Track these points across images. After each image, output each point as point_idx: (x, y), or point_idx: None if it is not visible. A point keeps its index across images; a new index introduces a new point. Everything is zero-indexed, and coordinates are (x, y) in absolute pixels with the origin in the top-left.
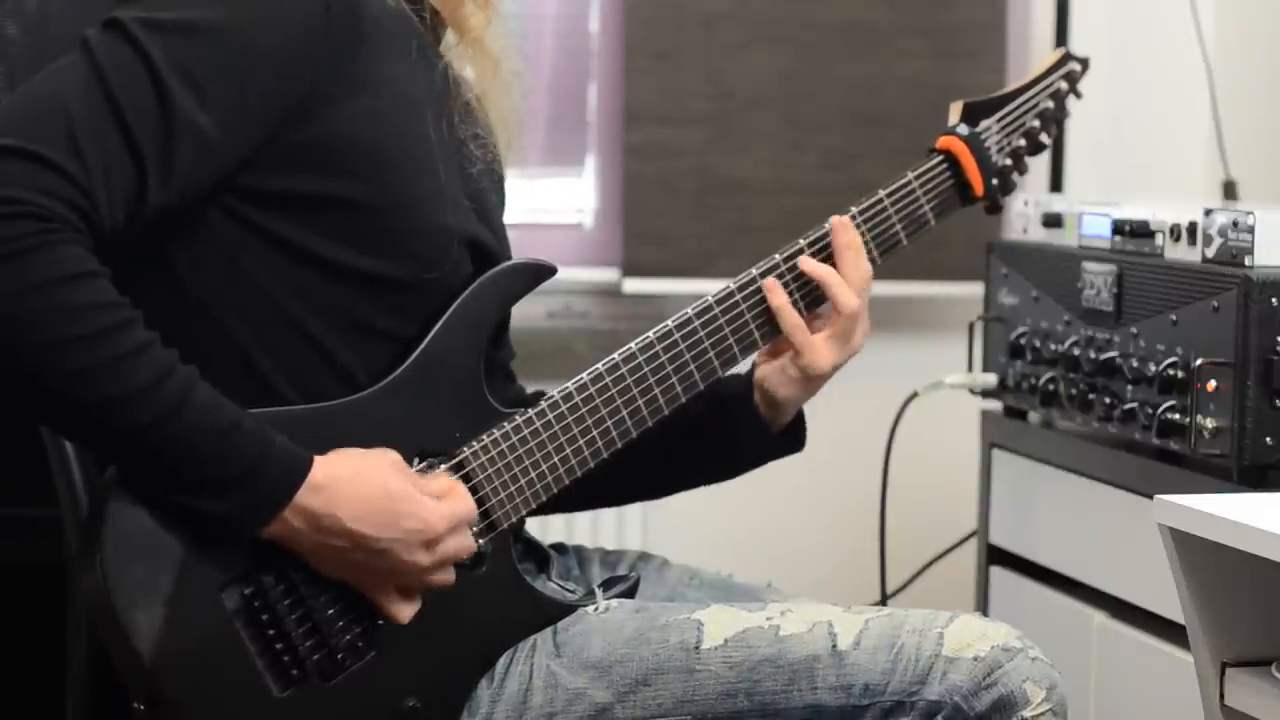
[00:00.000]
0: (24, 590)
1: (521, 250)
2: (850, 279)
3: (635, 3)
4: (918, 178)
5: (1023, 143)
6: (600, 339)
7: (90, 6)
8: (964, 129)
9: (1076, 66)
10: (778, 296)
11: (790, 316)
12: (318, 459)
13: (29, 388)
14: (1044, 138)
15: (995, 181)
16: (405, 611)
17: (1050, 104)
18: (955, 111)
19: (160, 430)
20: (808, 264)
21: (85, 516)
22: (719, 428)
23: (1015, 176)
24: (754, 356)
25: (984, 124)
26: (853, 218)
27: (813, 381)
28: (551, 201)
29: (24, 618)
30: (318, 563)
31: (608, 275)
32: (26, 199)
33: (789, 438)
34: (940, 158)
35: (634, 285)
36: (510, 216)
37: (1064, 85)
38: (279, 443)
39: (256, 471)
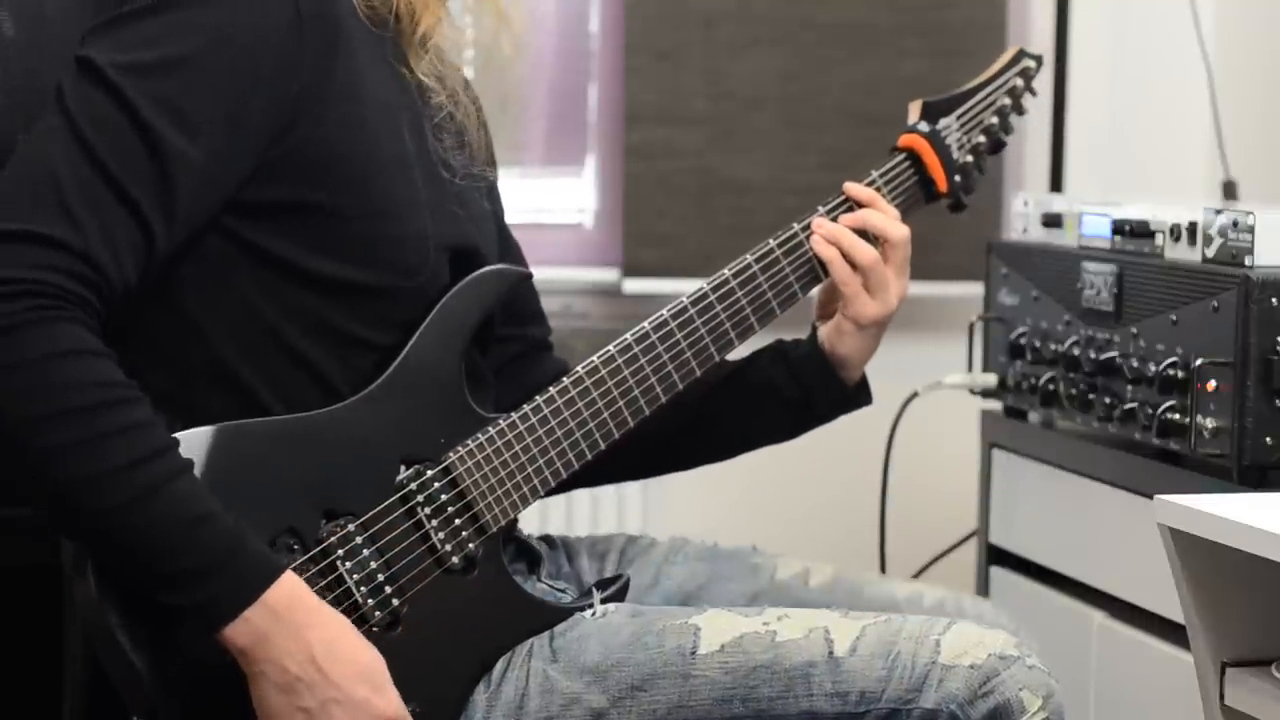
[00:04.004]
0: (22, 591)
1: (522, 251)
2: (889, 213)
3: (635, 3)
4: (881, 176)
5: (983, 139)
6: (600, 339)
7: (90, 7)
8: (924, 126)
9: (1031, 63)
10: (826, 250)
11: (842, 268)
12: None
13: (17, 463)
14: (1003, 135)
15: (958, 178)
16: None
17: (1007, 100)
18: (915, 110)
19: (124, 516)
20: (846, 217)
21: None
22: (794, 388)
23: (976, 173)
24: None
25: (944, 122)
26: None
27: (865, 330)
28: (551, 201)
29: (22, 618)
30: (265, 686)
31: (608, 275)
32: (24, 278)
33: (860, 392)
34: (903, 156)
35: (634, 285)
36: (510, 217)
37: (1020, 82)
38: (253, 545)
39: (220, 570)
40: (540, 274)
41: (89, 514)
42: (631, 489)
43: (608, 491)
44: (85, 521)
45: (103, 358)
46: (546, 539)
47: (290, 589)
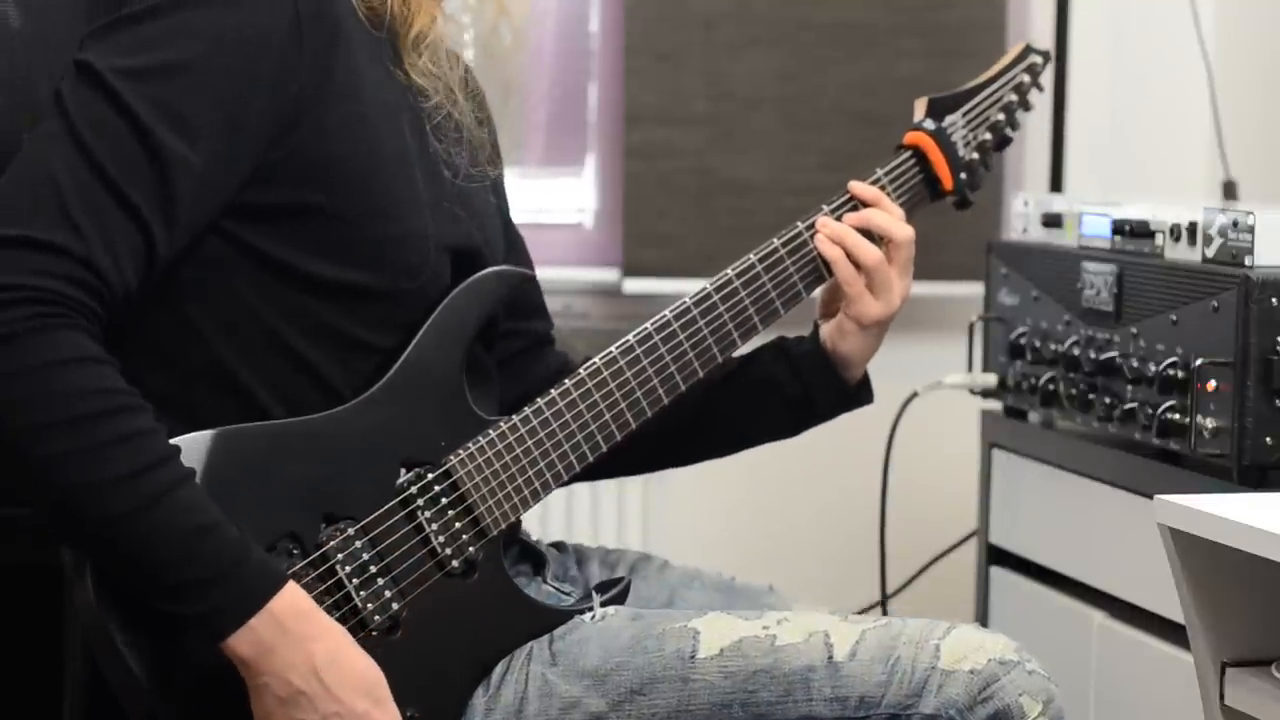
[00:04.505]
0: (22, 591)
1: (526, 246)
2: (893, 213)
3: (635, 3)
4: (886, 174)
5: (988, 136)
6: (600, 339)
7: (84, 6)
8: (930, 124)
9: (1038, 59)
10: (830, 250)
11: (846, 268)
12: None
13: (18, 471)
14: (1009, 131)
15: (964, 176)
16: None
17: (1014, 97)
18: (920, 107)
19: (127, 525)
20: (850, 216)
21: None
22: (796, 385)
23: (983, 171)
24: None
25: (949, 119)
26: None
27: (867, 330)
28: (551, 201)
29: (22, 618)
30: (268, 699)
31: (608, 275)
32: (24, 284)
33: (861, 391)
34: (909, 154)
35: (634, 285)
36: (512, 216)
37: (1026, 78)
38: (256, 554)
39: (224, 579)
40: (540, 274)
41: (91, 523)
42: (632, 486)
43: (608, 485)
44: (88, 530)
45: (104, 365)
46: (558, 545)
47: (293, 598)
